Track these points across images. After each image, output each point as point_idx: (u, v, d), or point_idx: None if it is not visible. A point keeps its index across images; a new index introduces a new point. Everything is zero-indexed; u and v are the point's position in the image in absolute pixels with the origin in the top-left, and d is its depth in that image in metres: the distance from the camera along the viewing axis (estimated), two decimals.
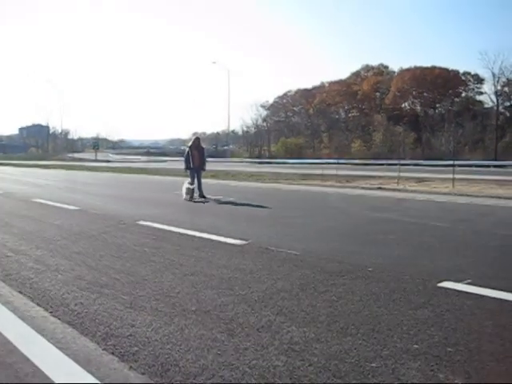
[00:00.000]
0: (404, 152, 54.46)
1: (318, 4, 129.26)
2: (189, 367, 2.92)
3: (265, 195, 16.02)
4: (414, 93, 71.81)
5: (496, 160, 47.04)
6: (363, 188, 18.53)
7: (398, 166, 21.36)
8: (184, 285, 4.72)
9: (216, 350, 3.16)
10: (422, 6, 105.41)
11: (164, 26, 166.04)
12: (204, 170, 14.53)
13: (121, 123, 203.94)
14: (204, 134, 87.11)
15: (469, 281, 4.77)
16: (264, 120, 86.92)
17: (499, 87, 61.83)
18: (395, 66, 77.41)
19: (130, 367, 2.93)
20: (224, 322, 3.66)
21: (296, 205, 13.43)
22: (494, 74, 60.54)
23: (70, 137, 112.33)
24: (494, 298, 4.25)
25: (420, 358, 3.04)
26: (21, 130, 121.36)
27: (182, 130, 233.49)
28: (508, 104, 63.66)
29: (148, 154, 72.47)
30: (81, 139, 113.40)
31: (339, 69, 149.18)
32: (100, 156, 66.01)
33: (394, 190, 17.69)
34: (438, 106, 70.16)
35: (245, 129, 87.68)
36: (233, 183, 22.01)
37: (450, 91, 68.47)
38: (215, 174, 25.15)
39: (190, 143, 14.68)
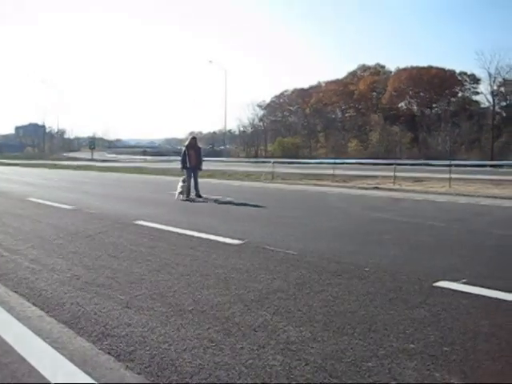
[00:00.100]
0: (401, 152, 54.71)
1: (315, 4, 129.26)
2: (185, 367, 2.92)
3: (262, 195, 16.02)
4: (410, 92, 71.93)
5: (492, 160, 47.15)
6: (360, 188, 18.57)
7: (394, 166, 21.35)
8: (180, 284, 4.72)
9: (212, 350, 3.15)
10: (418, 6, 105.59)
11: (161, 26, 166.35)
12: (201, 169, 14.55)
13: (117, 123, 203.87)
14: (201, 133, 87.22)
15: (465, 280, 4.79)
16: (261, 120, 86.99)
17: (495, 87, 62.09)
18: (392, 65, 77.83)
19: (127, 367, 2.92)
20: (220, 322, 3.66)
21: (292, 204, 13.44)
22: (490, 74, 60.78)
23: (66, 136, 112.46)
24: (490, 298, 4.27)
25: (416, 357, 3.04)
26: (17, 129, 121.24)
27: (179, 130, 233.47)
28: (504, 104, 63.84)
29: (144, 153, 72.30)
30: (77, 138, 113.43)
31: (336, 68, 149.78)
32: (96, 155, 65.88)
33: (390, 189, 17.73)
34: (434, 105, 70.31)
35: (241, 128, 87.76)
36: (229, 183, 22.02)
37: (447, 91, 68.60)
38: (212, 174, 25.15)
39: (186, 143, 14.68)
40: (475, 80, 67.62)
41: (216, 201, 13.19)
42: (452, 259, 5.91)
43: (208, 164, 24.81)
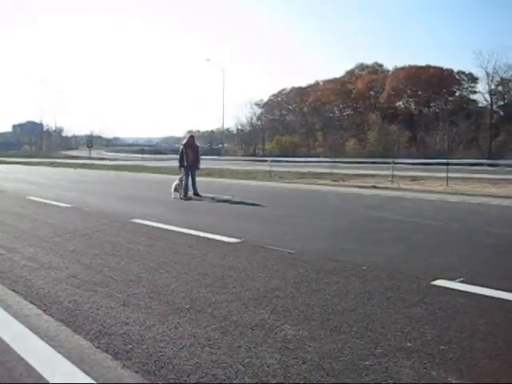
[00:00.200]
0: (398, 151, 54.71)
1: (313, 3, 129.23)
2: (182, 365, 2.92)
3: (259, 193, 16.02)
4: (408, 92, 71.97)
5: (490, 159, 47.18)
6: (358, 187, 18.58)
7: (391, 165, 21.37)
8: (178, 283, 4.71)
9: (209, 348, 3.16)
10: (416, 5, 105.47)
11: (158, 25, 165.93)
12: (198, 168, 14.54)
13: (115, 121, 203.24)
14: (199, 132, 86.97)
15: (462, 279, 4.80)
16: (258, 118, 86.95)
17: (493, 86, 62.21)
18: (390, 64, 77.70)
19: (124, 365, 2.92)
20: (218, 321, 3.66)
21: (291, 203, 13.44)
22: (487, 74, 60.90)
23: (64, 134, 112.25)
24: (487, 296, 4.28)
25: (413, 355, 3.05)
26: (14, 127, 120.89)
27: (177, 128, 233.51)
28: (502, 103, 63.97)
29: (142, 151, 72.16)
30: (75, 137, 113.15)
31: (334, 67, 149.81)
32: (94, 154, 65.69)
33: (388, 188, 17.75)
34: (432, 104, 70.36)
35: (239, 127, 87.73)
36: (227, 181, 22.02)
37: (445, 90, 68.66)
38: (210, 172, 25.13)
39: (184, 141, 14.68)
40: (473, 79, 67.77)
41: (213, 199, 13.20)
42: (449, 258, 5.92)
43: (206, 162, 24.78)
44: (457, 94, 69.90)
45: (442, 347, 3.18)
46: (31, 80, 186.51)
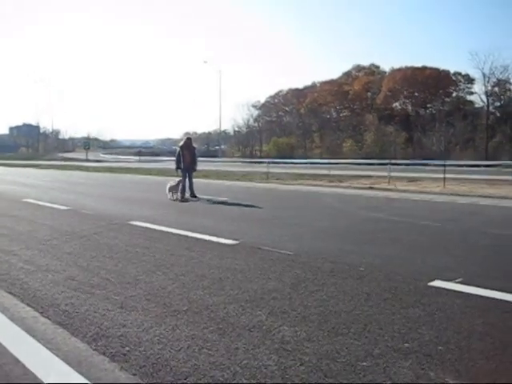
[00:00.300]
0: (395, 152, 54.80)
1: (310, 4, 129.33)
2: (180, 367, 2.92)
3: (257, 195, 16.02)
4: (405, 93, 72.02)
5: (486, 160, 47.32)
6: (355, 188, 18.59)
7: (388, 166, 21.40)
8: (175, 285, 4.71)
9: (207, 350, 3.15)
10: (412, 6, 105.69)
11: (155, 26, 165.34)
12: (195, 170, 14.57)
13: (112, 123, 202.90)
14: (195, 133, 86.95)
15: (459, 280, 4.80)
16: (255, 120, 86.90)
17: (489, 87, 62.29)
18: (386, 65, 77.80)
19: (121, 368, 2.92)
20: (215, 322, 3.66)
21: (288, 204, 13.44)
22: (484, 75, 60.97)
23: (60, 136, 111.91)
24: (484, 297, 4.29)
25: (411, 356, 3.05)
26: (11, 129, 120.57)
27: (174, 130, 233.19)
28: (498, 104, 64.07)
29: (139, 153, 72.13)
30: (72, 139, 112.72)
31: (330, 69, 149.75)
32: (91, 156, 65.57)
33: (385, 189, 17.75)
34: (428, 105, 70.44)
35: (236, 129, 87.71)
36: (224, 183, 22.01)
37: (441, 91, 68.76)
38: (207, 174, 25.11)
39: (181, 143, 14.67)
40: (469, 80, 67.86)
41: (211, 201, 13.19)
42: (446, 259, 5.93)
43: (203, 164, 24.80)
44: (453, 94, 69.99)
45: (440, 348, 3.18)
46: (28, 82, 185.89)
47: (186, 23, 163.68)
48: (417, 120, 66.18)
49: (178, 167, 14.15)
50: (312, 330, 3.52)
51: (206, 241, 7.02)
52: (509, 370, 2.90)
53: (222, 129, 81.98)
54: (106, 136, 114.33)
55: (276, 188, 19.15)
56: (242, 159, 58.56)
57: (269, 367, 2.91)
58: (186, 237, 7.37)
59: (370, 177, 23.28)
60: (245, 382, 2.75)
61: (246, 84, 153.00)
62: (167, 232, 7.80)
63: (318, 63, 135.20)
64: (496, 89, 62.50)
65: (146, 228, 8.18)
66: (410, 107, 72.16)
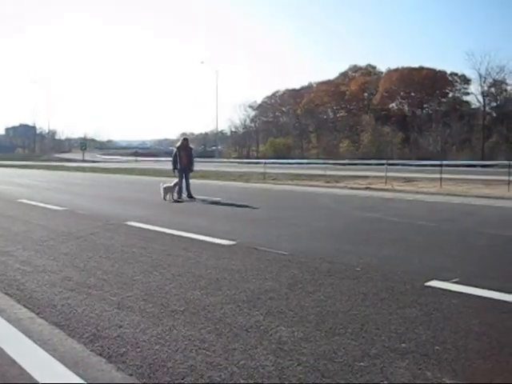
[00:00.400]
0: (392, 152, 54.91)
1: (307, 5, 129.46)
2: (177, 368, 2.91)
3: (253, 195, 16.03)
4: (401, 93, 72.28)
5: (483, 160, 47.44)
6: (352, 188, 18.63)
7: (385, 166, 21.44)
8: (172, 285, 4.70)
9: (204, 351, 3.15)
10: (409, 6, 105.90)
11: (152, 27, 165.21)
12: (192, 170, 14.56)
13: (108, 123, 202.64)
14: (192, 134, 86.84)
15: (456, 280, 4.81)
16: (252, 120, 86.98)
17: (486, 88, 62.52)
18: (383, 66, 77.96)
19: (118, 368, 2.91)
20: (212, 323, 3.66)
21: (285, 205, 13.44)
22: (480, 75, 61.22)
23: (57, 137, 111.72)
24: (481, 297, 4.29)
25: (408, 356, 3.05)
26: (7, 130, 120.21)
27: (171, 131, 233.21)
28: (494, 104, 64.30)
29: (136, 154, 72.11)
30: (68, 139, 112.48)
31: (327, 69, 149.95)
32: (87, 156, 65.48)
33: (381, 189, 17.80)
34: (425, 106, 70.67)
35: (233, 129, 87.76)
36: (221, 183, 22.01)
37: (438, 91, 69.01)
38: (204, 175, 25.11)
39: (178, 144, 14.69)
40: (466, 81, 68.15)
41: (208, 201, 13.19)
42: (443, 259, 5.94)
43: (199, 165, 24.79)
44: (450, 95, 70.25)
45: (437, 348, 3.18)
46: (25, 82, 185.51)
47: (183, 24, 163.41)
48: (413, 120, 66.34)
49: (174, 168, 14.15)
50: (309, 330, 3.51)
51: (202, 241, 7.01)
52: (505, 370, 2.90)
53: (219, 129, 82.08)
54: (102, 136, 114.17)
55: (272, 188, 19.17)
56: (238, 160, 58.62)
57: (266, 367, 2.91)
58: (183, 237, 7.35)
59: (366, 177, 23.33)
60: (242, 382, 2.74)
61: (243, 84, 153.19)
62: (164, 232, 7.78)
63: (315, 64, 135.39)
64: (492, 89, 62.75)
65: (143, 228, 8.17)
66: (406, 107, 72.39)
